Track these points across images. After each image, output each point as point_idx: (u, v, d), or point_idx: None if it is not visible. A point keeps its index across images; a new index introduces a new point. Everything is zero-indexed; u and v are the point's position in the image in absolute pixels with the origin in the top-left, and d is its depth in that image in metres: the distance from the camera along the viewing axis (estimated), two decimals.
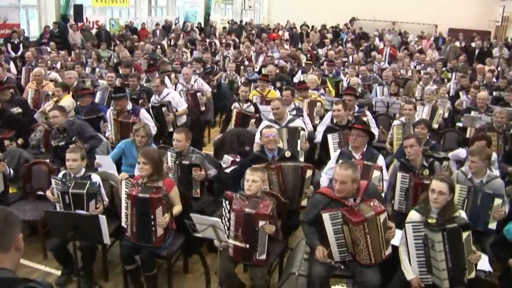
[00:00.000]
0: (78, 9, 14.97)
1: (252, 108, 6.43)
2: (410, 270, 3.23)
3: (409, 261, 3.24)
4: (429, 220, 3.15)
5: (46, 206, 3.95)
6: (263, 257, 3.37)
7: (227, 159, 5.22)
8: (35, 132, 5.54)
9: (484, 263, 3.30)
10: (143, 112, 5.77)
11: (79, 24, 14.36)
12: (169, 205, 3.61)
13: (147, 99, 6.83)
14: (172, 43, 14.54)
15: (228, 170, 4.91)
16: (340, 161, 3.96)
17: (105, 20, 16.61)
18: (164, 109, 6.22)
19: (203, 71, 9.31)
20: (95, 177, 3.94)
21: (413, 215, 3.38)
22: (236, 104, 6.55)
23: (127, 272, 3.74)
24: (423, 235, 3.15)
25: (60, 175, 3.97)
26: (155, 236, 3.54)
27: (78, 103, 6.01)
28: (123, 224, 3.70)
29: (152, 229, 3.51)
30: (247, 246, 3.27)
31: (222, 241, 3.29)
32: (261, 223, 3.29)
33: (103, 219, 3.18)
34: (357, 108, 6.21)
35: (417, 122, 5.42)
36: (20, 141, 5.31)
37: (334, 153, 4.79)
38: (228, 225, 3.41)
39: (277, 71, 9.13)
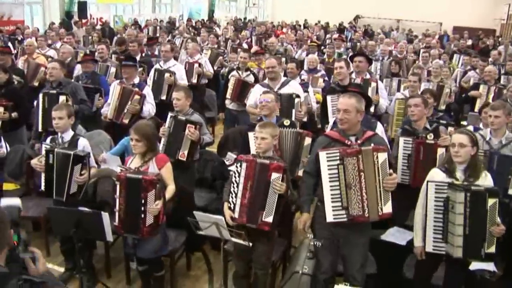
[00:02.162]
0: (82, 6, 15.00)
1: (252, 78, 6.23)
2: (419, 237, 3.15)
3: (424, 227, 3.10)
4: (455, 182, 2.96)
5: (49, 202, 3.93)
6: (269, 219, 3.14)
7: (230, 156, 5.19)
8: None
9: (489, 263, 3.24)
10: (147, 89, 5.46)
11: (83, 21, 14.37)
12: (162, 192, 3.33)
13: (146, 71, 6.69)
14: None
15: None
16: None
17: (109, 17, 16.65)
18: (167, 75, 6.12)
19: (216, 49, 9.26)
20: (83, 141, 3.80)
21: (436, 174, 3.14)
22: (234, 72, 6.35)
23: (139, 273, 3.66)
24: (445, 197, 2.96)
25: (48, 140, 3.84)
26: (144, 224, 3.26)
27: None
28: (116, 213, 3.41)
29: (141, 215, 3.24)
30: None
31: (226, 239, 3.26)
32: (274, 175, 3.12)
33: (105, 216, 3.17)
34: (368, 75, 5.66)
35: (422, 91, 5.10)
36: (14, 114, 5.09)
37: (332, 119, 4.46)
38: (237, 182, 3.22)
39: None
